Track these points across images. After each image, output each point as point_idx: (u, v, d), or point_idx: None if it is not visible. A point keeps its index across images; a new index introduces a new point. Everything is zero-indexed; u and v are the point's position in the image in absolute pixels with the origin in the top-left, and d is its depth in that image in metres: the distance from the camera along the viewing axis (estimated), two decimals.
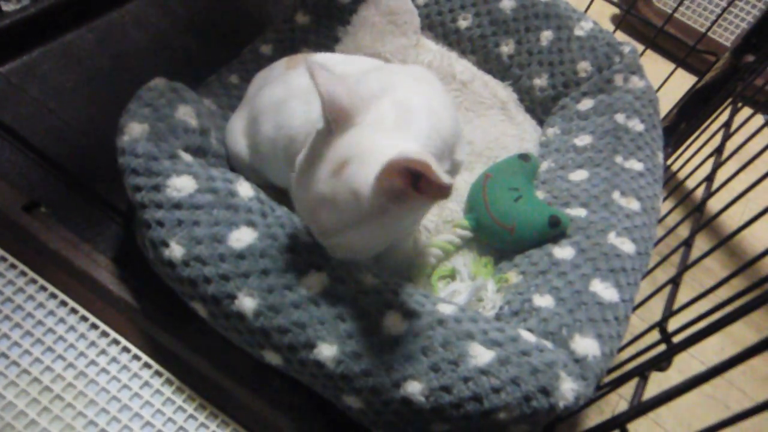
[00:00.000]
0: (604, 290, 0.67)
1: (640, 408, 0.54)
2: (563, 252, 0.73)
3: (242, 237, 0.60)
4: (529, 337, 0.61)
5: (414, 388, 0.55)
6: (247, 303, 0.57)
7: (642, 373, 0.62)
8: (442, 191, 0.48)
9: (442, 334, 0.58)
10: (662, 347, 0.60)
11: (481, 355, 0.57)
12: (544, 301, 0.67)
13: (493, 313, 0.70)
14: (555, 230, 0.75)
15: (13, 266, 0.68)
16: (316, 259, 0.61)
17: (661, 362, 0.59)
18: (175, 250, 0.59)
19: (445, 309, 0.62)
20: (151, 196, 0.61)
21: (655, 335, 0.64)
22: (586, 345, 0.62)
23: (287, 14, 1.01)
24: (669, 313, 0.67)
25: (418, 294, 0.63)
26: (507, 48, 1.07)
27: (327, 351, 0.57)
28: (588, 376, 0.60)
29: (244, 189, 0.66)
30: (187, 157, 0.65)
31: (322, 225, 0.53)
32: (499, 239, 0.79)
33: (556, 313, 0.65)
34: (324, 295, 0.59)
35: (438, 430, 0.58)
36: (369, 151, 0.50)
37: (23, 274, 0.67)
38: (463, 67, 1.04)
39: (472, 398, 0.55)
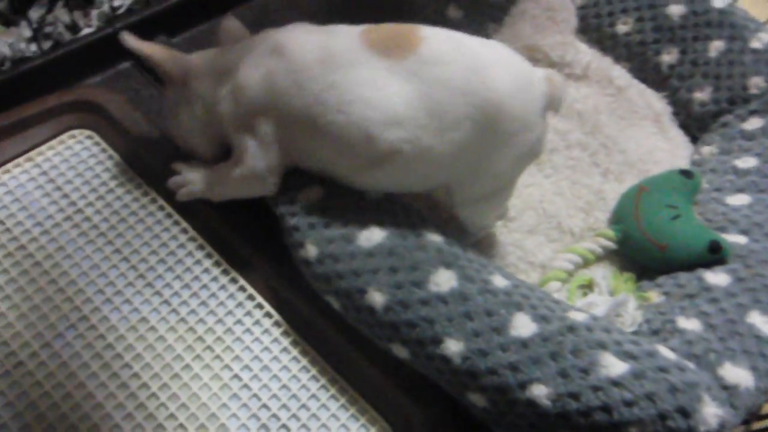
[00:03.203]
0: (765, 324, 0.66)
1: None
2: (716, 278, 0.72)
3: (371, 236, 0.66)
4: (668, 353, 0.61)
5: (540, 391, 0.58)
6: (376, 297, 0.63)
7: None
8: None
9: (572, 340, 0.60)
10: None
11: (613, 366, 0.58)
12: (689, 324, 0.67)
13: (632, 329, 0.71)
14: (713, 256, 0.75)
15: (176, 223, 0.78)
16: (445, 257, 0.66)
17: None
18: (310, 250, 0.66)
19: (577, 316, 0.63)
20: (286, 208, 0.69)
21: None
22: (737, 374, 0.61)
23: (438, 5, 1.06)
24: None
25: (548, 299, 0.66)
26: (668, 57, 1.05)
27: (454, 347, 0.61)
28: (737, 406, 0.59)
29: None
30: None
31: None
32: (647, 256, 0.80)
33: (704, 337, 0.64)
34: (452, 293, 0.63)
35: None
36: None
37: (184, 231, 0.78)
38: (619, 73, 1.04)
39: (600, 408, 0.57)
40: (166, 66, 0.71)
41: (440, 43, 0.65)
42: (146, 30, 0.93)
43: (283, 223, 0.69)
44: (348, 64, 0.64)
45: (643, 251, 0.80)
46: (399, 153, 0.64)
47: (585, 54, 1.04)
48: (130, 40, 0.70)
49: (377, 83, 0.63)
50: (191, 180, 0.75)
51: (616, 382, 0.57)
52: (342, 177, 0.70)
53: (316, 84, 0.64)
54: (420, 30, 0.66)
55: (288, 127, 0.67)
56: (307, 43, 0.67)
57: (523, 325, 0.61)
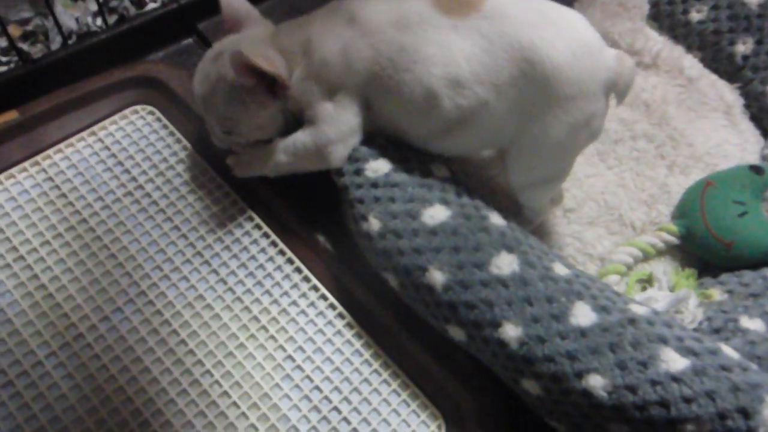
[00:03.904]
0: None
1: None
2: None
3: (436, 214, 0.68)
4: (730, 352, 0.62)
5: (596, 382, 0.60)
6: (437, 276, 0.65)
7: None
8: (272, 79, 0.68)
9: (632, 333, 0.61)
10: None
11: (673, 361, 0.59)
12: (753, 324, 0.68)
13: (692, 327, 0.71)
14: None
15: (234, 202, 0.81)
16: (508, 241, 0.68)
17: None
18: (373, 224, 0.69)
19: (638, 309, 0.65)
20: (352, 179, 0.72)
21: None
22: None
23: None
24: None
25: (609, 291, 0.67)
26: (743, 47, 1.04)
27: (512, 331, 0.63)
28: None
29: (439, 169, 0.74)
30: (380, 140, 0.75)
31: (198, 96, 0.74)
32: (711, 253, 0.80)
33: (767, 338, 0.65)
34: (513, 276, 0.65)
35: (616, 430, 0.62)
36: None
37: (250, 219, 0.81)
38: (691, 63, 1.04)
39: (658, 403, 0.58)
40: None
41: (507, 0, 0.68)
42: (209, 8, 0.96)
43: (347, 195, 0.72)
44: (417, 25, 0.69)
45: (708, 248, 0.80)
46: (459, 109, 0.68)
47: (655, 42, 1.04)
48: None
49: (441, 41, 0.67)
50: (249, 157, 0.78)
51: (675, 378, 0.58)
52: (412, 139, 0.74)
53: (389, 46, 0.69)
54: None
55: (366, 92, 0.71)
56: (379, 7, 0.71)
57: (583, 314, 0.62)
